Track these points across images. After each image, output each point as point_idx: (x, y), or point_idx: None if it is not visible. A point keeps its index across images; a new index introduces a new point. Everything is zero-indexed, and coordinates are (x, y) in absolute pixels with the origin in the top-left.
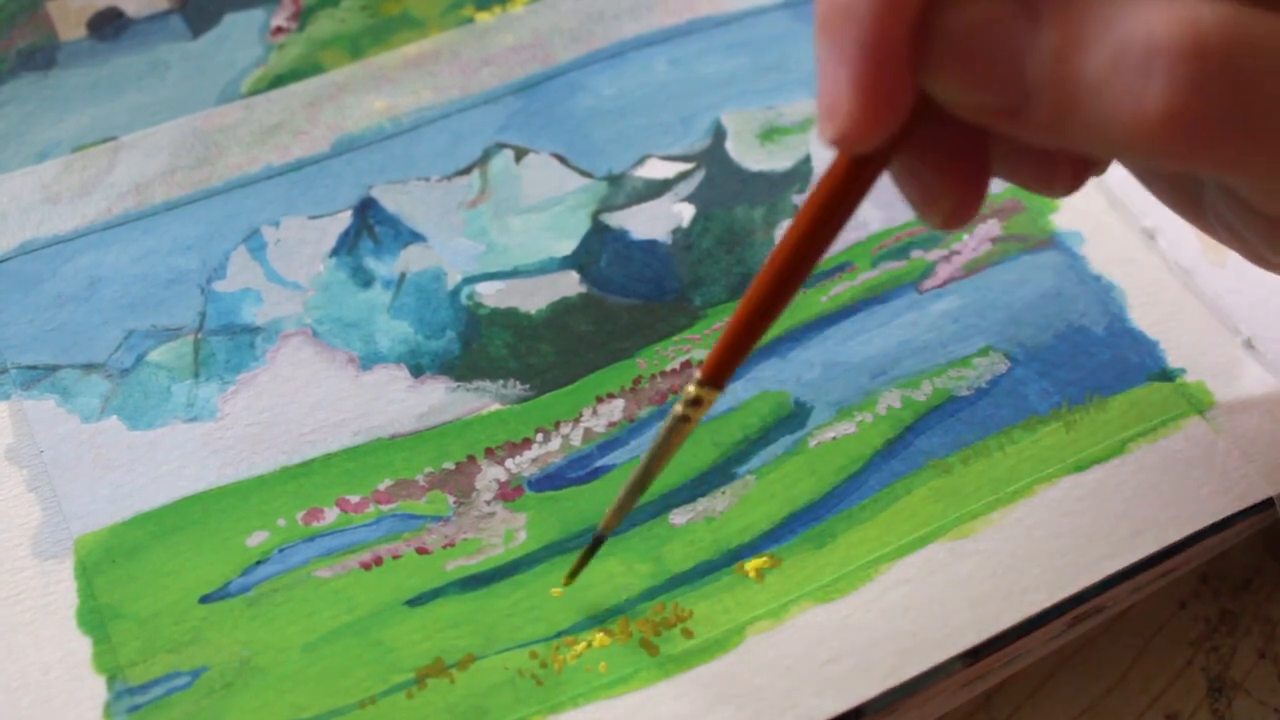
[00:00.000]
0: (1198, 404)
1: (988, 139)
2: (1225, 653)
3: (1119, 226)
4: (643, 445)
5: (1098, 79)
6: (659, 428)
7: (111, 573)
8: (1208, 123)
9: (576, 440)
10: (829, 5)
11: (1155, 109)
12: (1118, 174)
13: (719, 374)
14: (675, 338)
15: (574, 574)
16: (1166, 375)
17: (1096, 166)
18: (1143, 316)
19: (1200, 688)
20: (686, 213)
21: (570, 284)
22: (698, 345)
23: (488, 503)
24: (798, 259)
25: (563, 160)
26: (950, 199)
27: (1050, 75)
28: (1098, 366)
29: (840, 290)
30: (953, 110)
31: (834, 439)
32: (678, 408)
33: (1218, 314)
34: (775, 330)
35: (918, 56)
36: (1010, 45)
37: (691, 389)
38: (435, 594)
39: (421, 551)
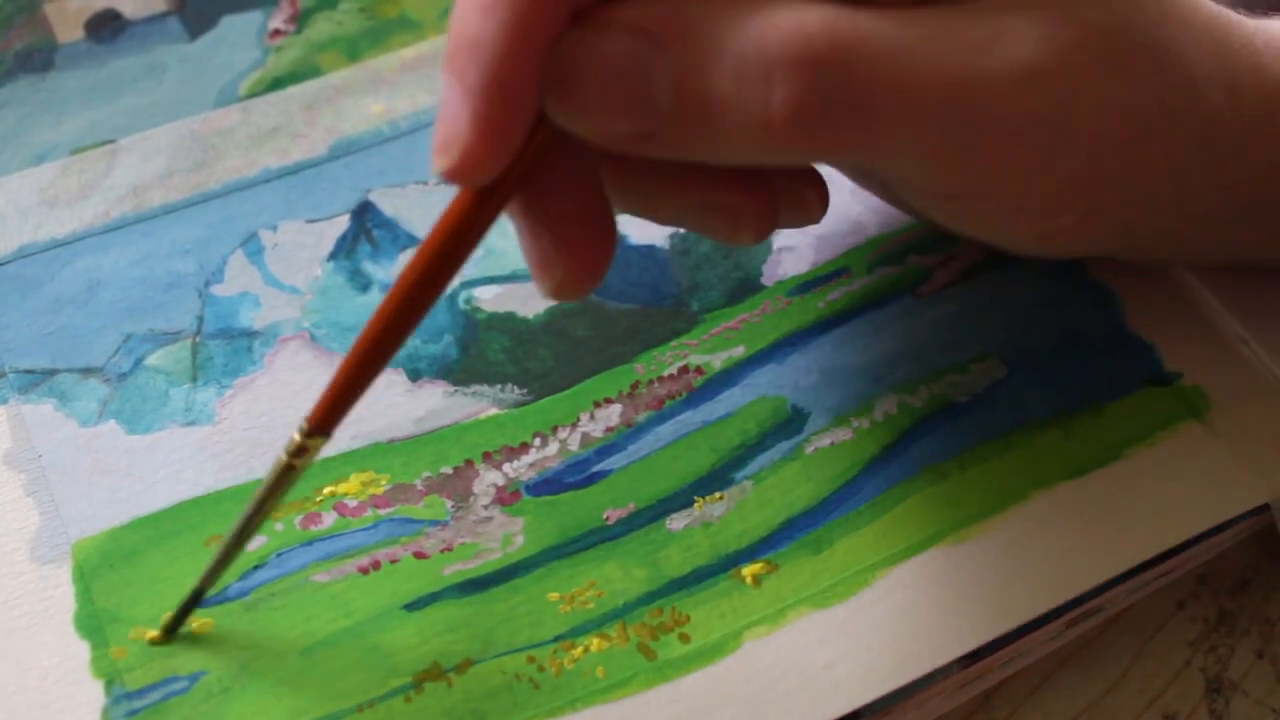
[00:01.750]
0: (1195, 408)
1: (608, 208)
2: (1223, 653)
3: None
4: (641, 450)
5: (723, 95)
6: (265, 476)
7: (109, 577)
8: (828, 118)
9: (574, 445)
10: (455, 39)
11: (779, 114)
12: None
13: (327, 421)
14: (673, 343)
15: (172, 628)
16: (1164, 380)
17: (787, 214)
18: (1140, 322)
19: (1198, 688)
20: None
21: None
22: (695, 350)
23: (485, 507)
24: (414, 298)
25: None
26: (564, 267)
27: (678, 97)
28: (1095, 372)
29: (837, 296)
30: (589, 140)
31: (831, 445)
32: (283, 455)
33: (1215, 318)
34: (773, 335)
35: (542, 92)
36: (636, 74)
37: (297, 437)
38: (433, 598)
39: (419, 556)
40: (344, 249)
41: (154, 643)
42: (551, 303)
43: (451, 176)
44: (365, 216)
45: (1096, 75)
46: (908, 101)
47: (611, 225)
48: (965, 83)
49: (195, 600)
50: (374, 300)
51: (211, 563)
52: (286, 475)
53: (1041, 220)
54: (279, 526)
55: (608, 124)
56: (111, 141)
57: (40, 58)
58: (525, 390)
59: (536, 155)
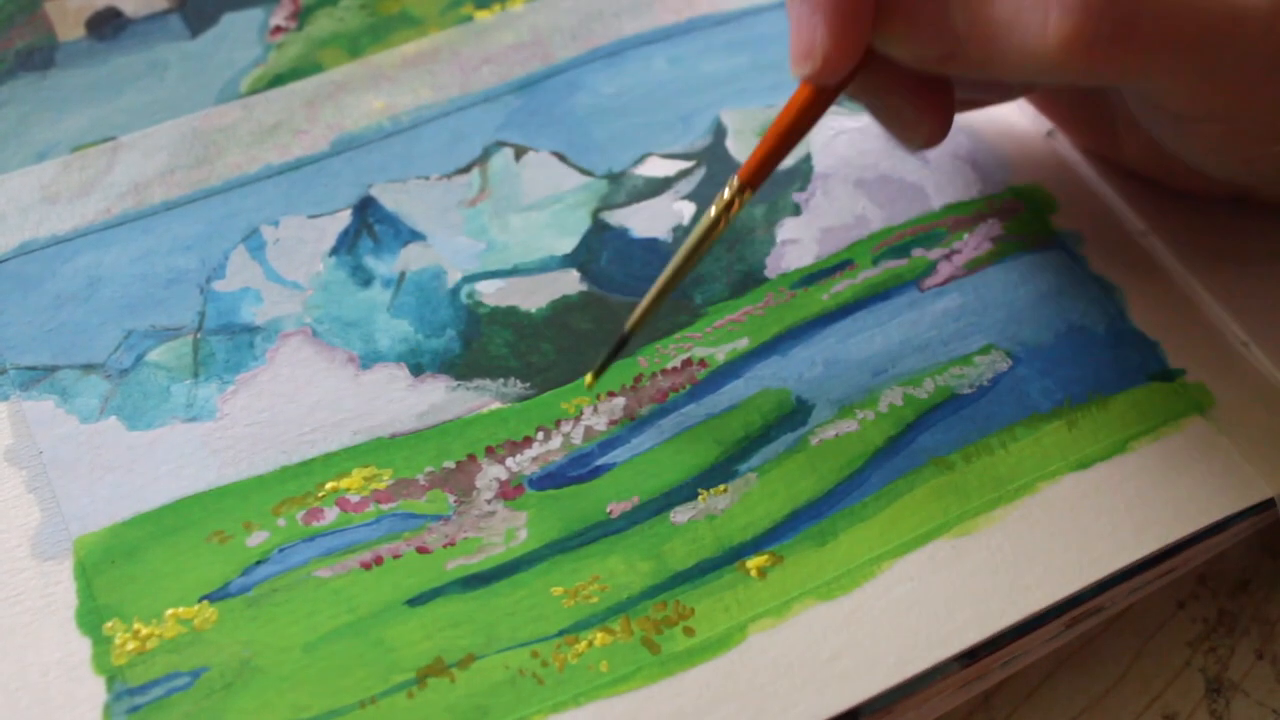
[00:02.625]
0: (1199, 404)
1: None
2: (1223, 653)
3: (1118, 227)
4: (644, 444)
5: (1006, 20)
6: (693, 230)
7: (111, 573)
8: (1100, 39)
9: (577, 439)
10: None
11: (1055, 36)
12: (1115, 177)
13: (756, 177)
14: (676, 335)
15: (599, 372)
16: (1167, 375)
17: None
18: (1143, 317)
19: (1198, 688)
20: (687, 211)
21: (571, 282)
22: (699, 343)
23: (488, 501)
24: (783, 141)
25: (563, 158)
26: (926, 125)
27: (969, 22)
28: (1099, 365)
29: (841, 288)
30: (902, 61)
31: (835, 436)
32: (712, 210)
33: (1217, 315)
34: (777, 328)
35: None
36: (936, 4)
37: (726, 193)
38: (436, 593)
39: (422, 551)
40: (345, 244)
41: (589, 388)
42: (555, 297)
43: (813, 79)
44: (366, 212)
45: None
46: (1170, 30)
47: (949, 84)
48: (1224, 17)
49: (621, 345)
50: (376, 295)
51: (637, 313)
52: (713, 229)
53: (1255, 147)
54: (281, 522)
55: (917, 48)
56: (113, 139)
57: (41, 56)
58: (528, 384)
59: (863, 64)
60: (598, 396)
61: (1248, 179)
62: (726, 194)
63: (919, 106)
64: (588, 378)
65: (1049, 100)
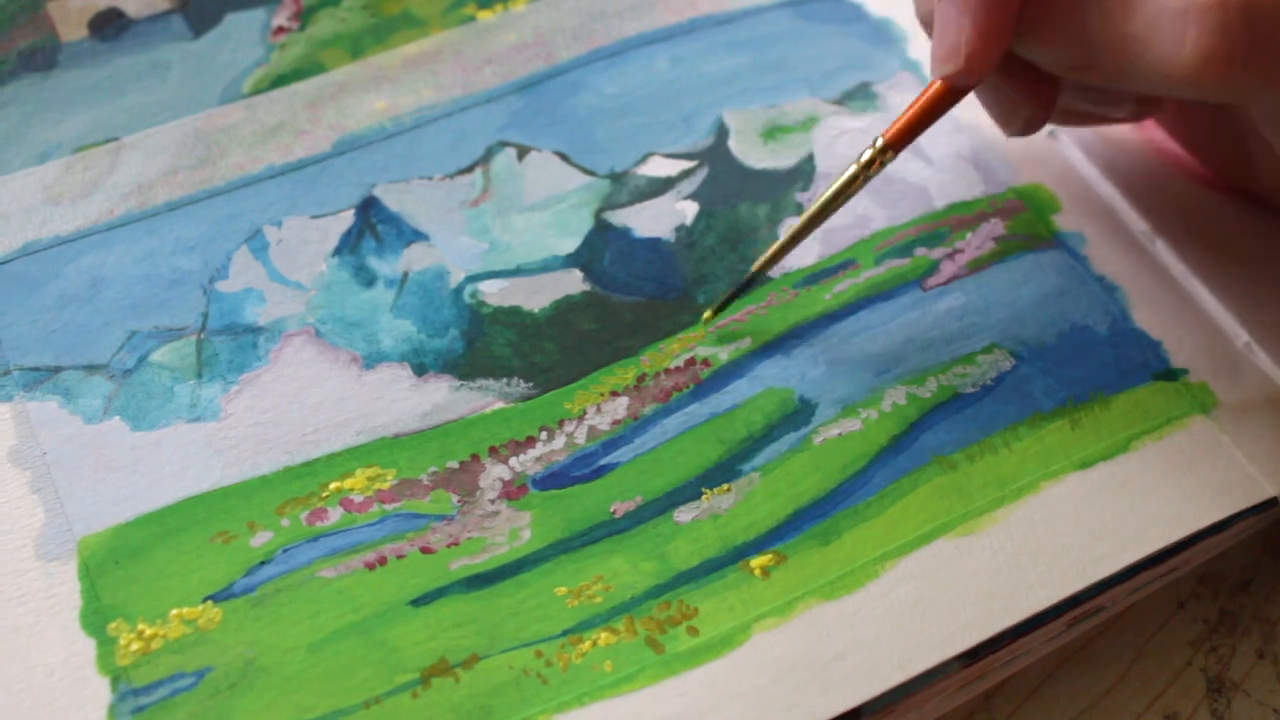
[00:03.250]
0: (1202, 404)
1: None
2: (1224, 653)
3: (1120, 228)
4: (647, 443)
5: (1143, 34)
6: (834, 184)
7: (115, 574)
8: (1237, 57)
9: (581, 439)
10: None
11: (1192, 54)
12: (1118, 178)
13: (899, 141)
14: (679, 335)
15: (720, 308)
16: (1170, 375)
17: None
18: (1145, 317)
19: (1199, 688)
20: (690, 210)
21: (573, 282)
22: (701, 343)
23: (492, 501)
24: (926, 117)
25: (565, 158)
26: (1027, 112)
27: (1105, 33)
28: (1102, 365)
29: (844, 288)
30: (1042, 66)
31: (839, 436)
32: (854, 167)
33: (1219, 316)
34: (780, 327)
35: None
36: (1074, 13)
37: (869, 153)
38: (439, 593)
39: (426, 551)
40: (348, 244)
41: (706, 322)
42: (558, 297)
43: (954, 79)
44: (369, 212)
45: None
46: None
47: (1055, 79)
48: None
49: (748, 284)
50: (379, 295)
51: (769, 254)
52: (852, 184)
53: None
54: (285, 522)
55: (1054, 55)
56: (115, 139)
57: (43, 56)
58: (531, 384)
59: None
60: (599, 394)
61: None
62: (868, 154)
63: (1024, 94)
64: (707, 313)
65: (1181, 126)
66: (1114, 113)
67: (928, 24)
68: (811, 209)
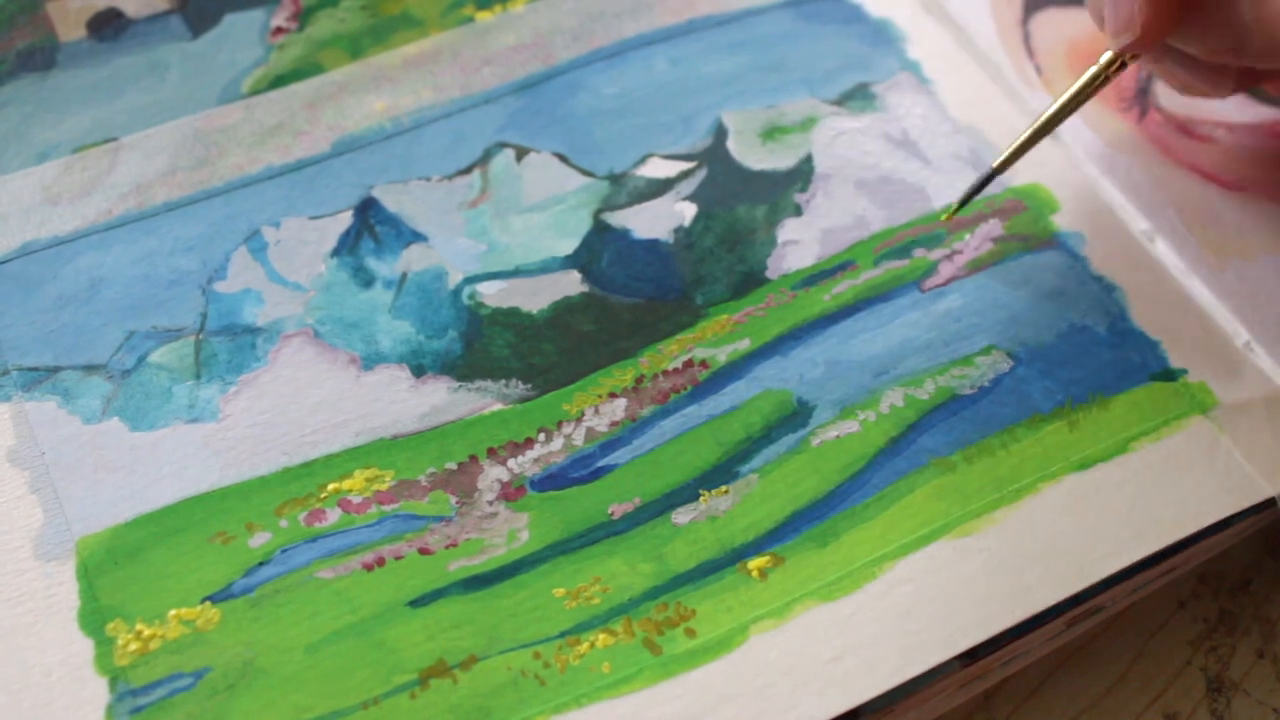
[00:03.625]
0: (1200, 404)
1: None
2: (1224, 653)
3: (1119, 229)
4: (645, 445)
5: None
6: (1079, 82)
7: (113, 574)
8: None
9: (579, 440)
10: None
11: None
12: (1117, 177)
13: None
14: (678, 336)
15: (963, 203)
16: (1169, 375)
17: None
18: (1144, 317)
19: (1199, 687)
20: (688, 211)
21: (572, 283)
22: (700, 344)
23: (490, 503)
24: (1074, 102)
25: (564, 159)
26: (1203, 87)
27: (1257, 17)
28: (1100, 366)
29: (843, 289)
30: (1191, 52)
31: (837, 437)
32: (1095, 68)
33: (1218, 316)
34: (778, 329)
35: None
36: (1225, 3)
37: (1109, 54)
38: (438, 594)
39: (424, 552)
40: (347, 245)
41: (948, 218)
42: (557, 298)
43: (1131, 48)
44: (368, 213)
45: None
46: None
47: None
48: None
49: (988, 180)
50: (377, 296)
51: (1009, 151)
52: (1093, 83)
53: None
54: (283, 523)
55: (1208, 39)
56: (114, 139)
57: (42, 56)
58: (529, 385)
59: None
60: (598, 395)
61: None
62: (1110, 54)
63: (1197, 74)
64: (950, 209)
65: None
66: (1214, 89)
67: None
68: (1051, 108)
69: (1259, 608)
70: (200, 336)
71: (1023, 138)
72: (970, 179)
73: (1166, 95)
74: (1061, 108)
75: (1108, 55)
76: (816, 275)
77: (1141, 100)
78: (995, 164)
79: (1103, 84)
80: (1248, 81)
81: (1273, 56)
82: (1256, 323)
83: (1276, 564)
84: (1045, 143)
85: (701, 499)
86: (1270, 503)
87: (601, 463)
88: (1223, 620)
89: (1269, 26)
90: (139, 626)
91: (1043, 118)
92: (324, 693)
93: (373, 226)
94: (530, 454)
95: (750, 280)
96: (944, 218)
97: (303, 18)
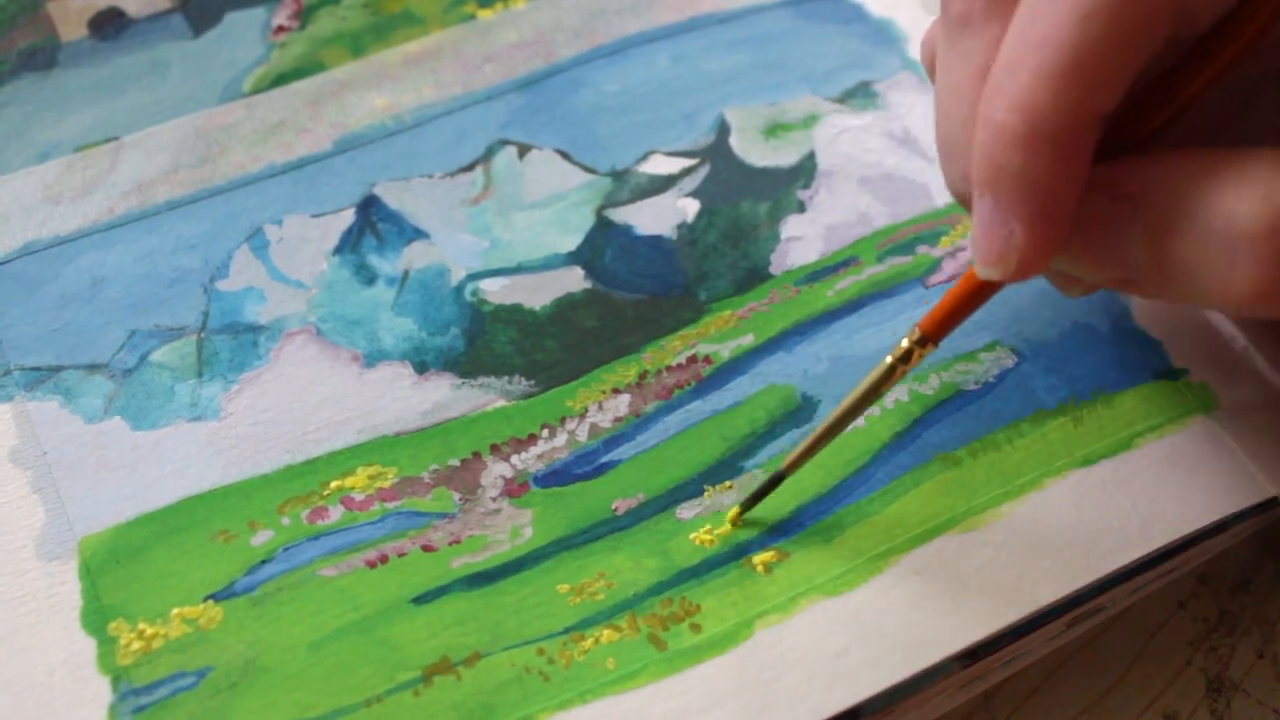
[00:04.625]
0: (1204, 403)
1: None
2: (1224, 653)
3: None
4: (649, 440)
5: (1189, 262)
6: (868, 376)
7: (115, 573)
8: None
9: (582, 436)
10: (996, 167)
11: (1243, 286)
12: None
13: (937, 333)
14: (681, 333)
15: (746, 508)
16: (1171, 375)
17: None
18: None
19: (1199, 688)
20: (691, 208)
21: (575, 280)
22: (703, 340)
23: (493, 499)
24: (956, 310)
25: (566, 156)
26: (1087, 283)
27: (1148, 259)
28: (1104, 363)
29: (846, 285)
30: (1080, 277)
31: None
32: (889, 359)
33: (1217, 319)
34: (782, 324)
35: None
36: (1116, 232)
37: (905, 343)
38: (441, 591)
39: (427, 549)
40: (349, 243)
41: (733, 522)
42: (560, 295)
43: (1007, 280)
44: (370, 210)
45: None
46: None
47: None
48: None
49: (774, 484)
50: (379, 294)
51: (798, 451)
52: (888, 376)
53: None
54: (286, 521)
55: (1092, 272)
56: (115, 138)
57: (44, 56)
58: (532, 382)
59: None
60: (601, 391)
61: None
62: (905, 343)
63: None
64: (732, 511)
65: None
66: (1067, 288)
67: (963, 199)
68: (843, 405)
69: (1259, 608)
70: (202, 335)
71: (812, 438)
72: None
73: None
74: (852, 406)
75: (905, 343)
76: (820, 271)
77: None
78: (784, 465)
79: (912, 365)
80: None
81: (1165, 297)
82: (1253, 326)
83: (1276, 564)
84: None
85: (706, 494)
86: (1272, 502)
87: (605, 459)
88: (1223, 620)
89: (1164, 270)
90: (141, 626)
91: (832, 417)
92: (327, 690)
93: (375, 224)
94: (534, 450)
95: (753, 276)
96: (728, 520)
97: (304, 16)
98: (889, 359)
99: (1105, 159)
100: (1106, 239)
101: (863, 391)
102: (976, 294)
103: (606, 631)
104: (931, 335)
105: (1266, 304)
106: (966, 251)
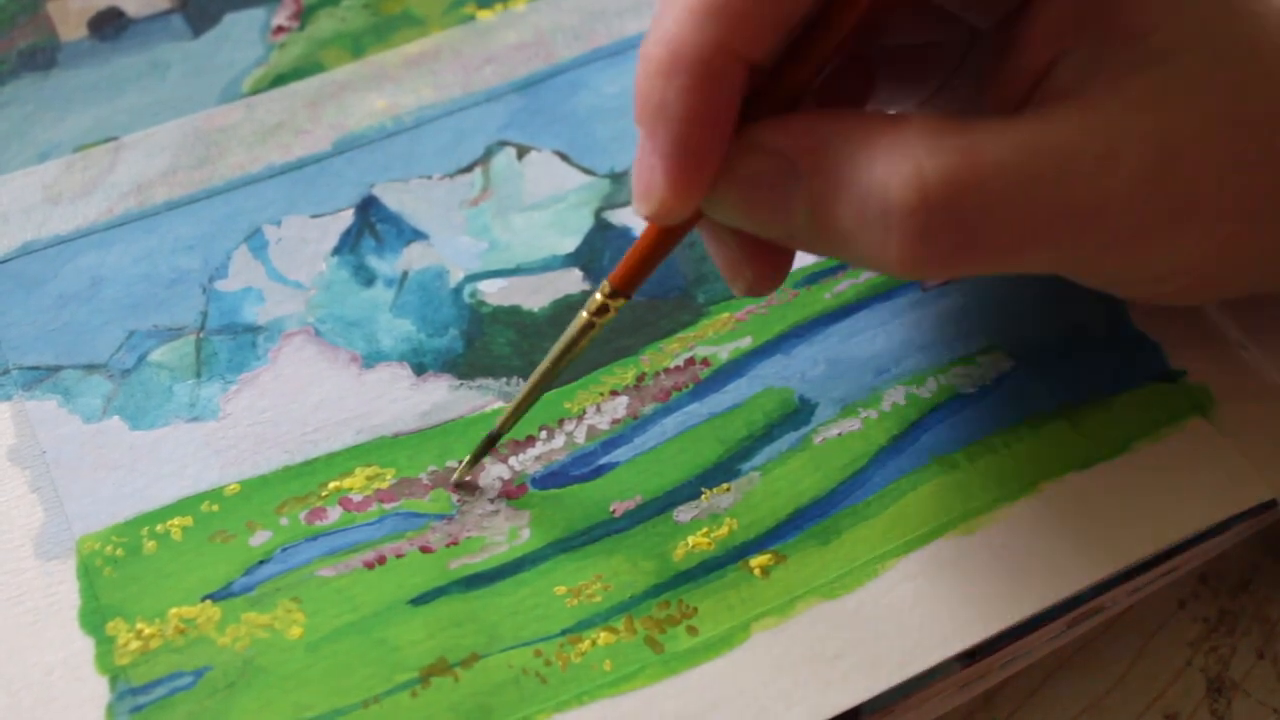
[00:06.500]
0: (1201, 405)
1: None
2: (1224, 653)
3: None
4: (647, 443)
5: (847, 229)
6: (565, 333)
7: (114, 573)
8: (942, 255)
9: (580, 438)
10: (644, 99)
11: (895, 255)
12: None
13: (628, 284)
14: (679, 335)
15: (469, 467)
16: (1168, 376)
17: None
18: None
19: (1199, 688)
20: None
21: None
22: (701, 342)
23: (491, 501)
24: (643, 263)
25: (565, 158)
26: (751, 272)
27: (807, 222)
28: (1101, 366)
29: (844, 288)
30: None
31: (839, 435)
32: (584, 314)
33: (1217, 317)
34: (780, 327)
35: (712, 176)
36: (776, 193)
37: (599, 296)
38: (439, 593)
39: (424, 550)
40: (348, 244)
41: (458, 486)
42: (558, 296)
43: (651, 220)
44: (369, 211)
45: (1220, 164)
46: (1025, 233)
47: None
48: (1084, 207)
49: (488, 446)
50: (378, 294)
51: (508, 411)
52: (585, 332)
53: (1143, 288)
54: (284, 521)
55: (753, 228)
56: (115, 139)
57: (43, 56)
58: None
59: None
60: (599, 393)
61: (1152, 302)
62: (599, 297)
63: (749, 253)
64: (456, 473)
65: None
66: (732, 282)
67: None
68: (544, 363)
69: (1259, 608)
70: (201, 335)
71: (520, 396)
72: None
73: None
74: (551, 364)
75: (597, 297)
76: (818, 274)
77: None
78: (497, 425)
79: (608, 319)
80: (765, 284)
81: (826, 255)
82: (1252, 325)
83: (1276, 564)
84: None
85: (703, 497)
86: (1270, 504)
87: (603, 460)
88: (1223, 620)
89: (824, 234)
90: (139, 625)
91: (536, 375)
92: (324, 691)
93: (374, 225)
94: (531, 451)
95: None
96: (453, 481)
97: (304, 17)
98: (584, 314)
99: (766, 118)
100: (767, 198)
101: (561, 348)
102: (659, 243)
103: (604, 633)
104: (621, 288)
105: (919, 272)
106: None
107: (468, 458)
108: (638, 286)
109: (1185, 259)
